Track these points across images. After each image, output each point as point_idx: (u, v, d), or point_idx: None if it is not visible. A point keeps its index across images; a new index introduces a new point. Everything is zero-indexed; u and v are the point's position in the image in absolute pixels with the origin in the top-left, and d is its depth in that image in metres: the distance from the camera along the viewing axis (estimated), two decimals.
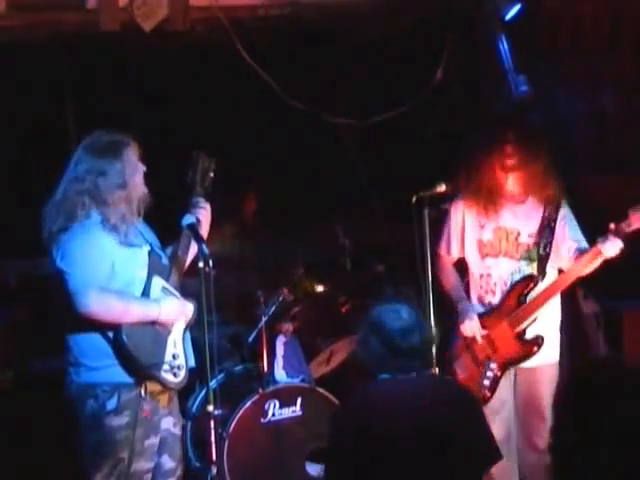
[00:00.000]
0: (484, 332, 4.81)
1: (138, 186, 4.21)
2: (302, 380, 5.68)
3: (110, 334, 4.09)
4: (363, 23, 6.64)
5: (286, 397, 5.51)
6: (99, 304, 4.02)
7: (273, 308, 5.76)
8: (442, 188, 4.81)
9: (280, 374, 5.72)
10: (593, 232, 4.72)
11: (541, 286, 4.79)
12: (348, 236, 6.37)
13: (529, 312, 4.77)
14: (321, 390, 5.56)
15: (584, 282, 5.50)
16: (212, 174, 4.39)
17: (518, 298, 4.79)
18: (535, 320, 4.78)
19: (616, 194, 6.37)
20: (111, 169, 4.14)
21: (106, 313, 4.04)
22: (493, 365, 4.81)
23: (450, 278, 4.99)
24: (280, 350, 5.77)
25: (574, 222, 4.83)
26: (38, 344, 6.32)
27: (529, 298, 4.78)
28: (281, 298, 5.81)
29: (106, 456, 4.09)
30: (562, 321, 4.94)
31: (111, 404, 4.09)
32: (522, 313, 4.77)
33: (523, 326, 4.77)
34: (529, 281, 4.79)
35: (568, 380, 5.19)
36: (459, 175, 4.82)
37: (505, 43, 6.18)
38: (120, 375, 4.11)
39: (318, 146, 7.29)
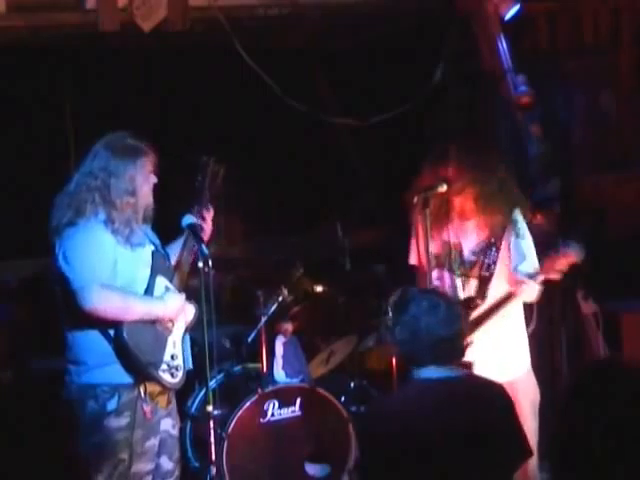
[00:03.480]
0: None
1: (145, 196, 4.24)
2: (301, 380, 5.68)
3: (111, 332, 4.11)
4: (363, 23, 6.63)
5: (285, 397, 5.51)
6: (103, 300, 4.03)
7: (272, 308, 5.76)
8: (443, 188, 4.75)
9: (279, 374, 5.71)
10: (592, 232, 4.69)
11: (482, 307, 4.65)
12: (348, 236, 6.35)
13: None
14: (321, 390, 5.56)
15: (584, 283, 5.50)
16: (220, 180, 4.42)
17: None
18: (472, 342, 4.51)
19: (615, 194, 6.38)
20: (124, 173, 4.16)
21: (109, 309, 4.05)
22: None
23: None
24: (279, 350, 5.76)
25: (523, 247, 4.66)
26: (38, 344, 6.32)
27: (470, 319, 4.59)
28: (280, 298, 5.80)
29: (106, 457, 4.10)
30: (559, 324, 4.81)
31: (111, 405, 4.11)
32: None
33: None
34: (467, 304, 4.64)
35: (567, 381, 5.16)
36: (411, 188, 4.75)
37: (504, 43, 6.18)
38: (120, 376, 4.12)
39: (318, 146, 7.29)
